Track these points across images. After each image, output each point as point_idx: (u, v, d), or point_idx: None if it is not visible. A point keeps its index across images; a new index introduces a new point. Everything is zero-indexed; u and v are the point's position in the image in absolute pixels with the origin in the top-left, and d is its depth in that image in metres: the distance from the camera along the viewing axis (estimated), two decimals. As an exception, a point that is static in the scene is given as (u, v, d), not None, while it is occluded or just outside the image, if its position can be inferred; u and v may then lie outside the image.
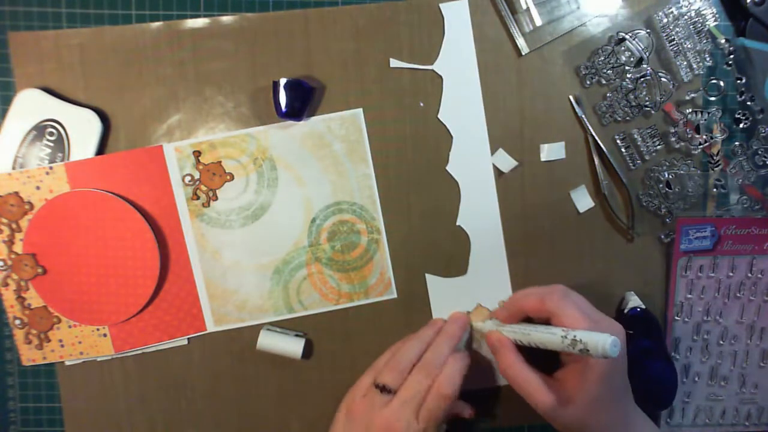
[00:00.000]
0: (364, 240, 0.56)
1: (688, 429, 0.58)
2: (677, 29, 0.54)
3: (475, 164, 0.56)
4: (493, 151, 0.56)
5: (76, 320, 0.55)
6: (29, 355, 0.55)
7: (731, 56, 0.55)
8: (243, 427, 0.57)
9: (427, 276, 0.57)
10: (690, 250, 0.56)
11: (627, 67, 0.54)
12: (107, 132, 0.54)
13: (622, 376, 0.49)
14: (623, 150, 0.56)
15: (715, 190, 0.56)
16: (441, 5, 0.55)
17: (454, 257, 0.57)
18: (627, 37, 0.54)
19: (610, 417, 0.48)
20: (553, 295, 0.49)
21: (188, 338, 0.56)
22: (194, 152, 0.55)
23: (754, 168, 0.56)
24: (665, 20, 0.54)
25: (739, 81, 0.55)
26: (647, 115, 0.56)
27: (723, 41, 0.55)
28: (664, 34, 0.55)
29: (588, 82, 0.55)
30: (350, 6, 0.55)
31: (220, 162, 0.55)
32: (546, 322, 0.50)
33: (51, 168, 0.53)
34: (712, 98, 0.56)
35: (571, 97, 0.56)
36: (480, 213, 0.56)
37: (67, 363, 0.56)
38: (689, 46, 0.55)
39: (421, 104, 0.56)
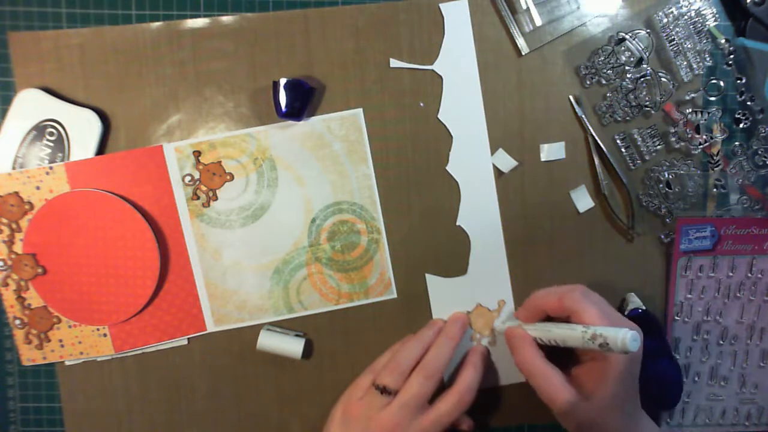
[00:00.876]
0: (364, 240, 0.56)
1: (689, 429, 0.58)
2: (677, 29, 0.54)
3: (475, 164, 0.56)
4: (493, 151, 0.56)
5: (76, 320, 0.55)
6: (29, 355, 0.55)
7: (731, 56, 0.55)
8: (243, 427, 0.57)
9: (427, 276, 0.57)
10: (690, 250, 0.56)
11: (627, 67, 0.54)
12: (107, 132, 0.54)
13: (635, 377, 0.49)
14: (623, 150, 0.56)
15: (715, 190, 0.56)
16: (441, 5, 0.55)
17: (454, 257, 0.57)
18: (627, 37, 0.54)
19: (623, 417, 0.48)
20: (574, 293, 0.49)
21: (188, 338, 0.56)
22: (194, 152, 0.55)
23: (754, 168, 0.56)
24: (665, 20, 0.54)
25: (739, 81, 0.55)
26: (647, 115, 0.56)
27: (723, 41, 0.55)
28: (664, 34, 0.55)
29: (588, 82, 0.55)
30: (350, 6, 0.55)
31: (220, 162, 0.55)
32: (565, 321, 0.50)
33: (51, 168, 0.53)
34: (712, 98, 0.56)
35: (571, 97, 0.56)
36: (480, 213, 0.56)
37: (67, 363, 0.56)
38: (689, 46, 0.55)
39: (422, 104, 0.56)
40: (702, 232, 0.56)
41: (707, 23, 0.54)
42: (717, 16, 0.54)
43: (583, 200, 0.56)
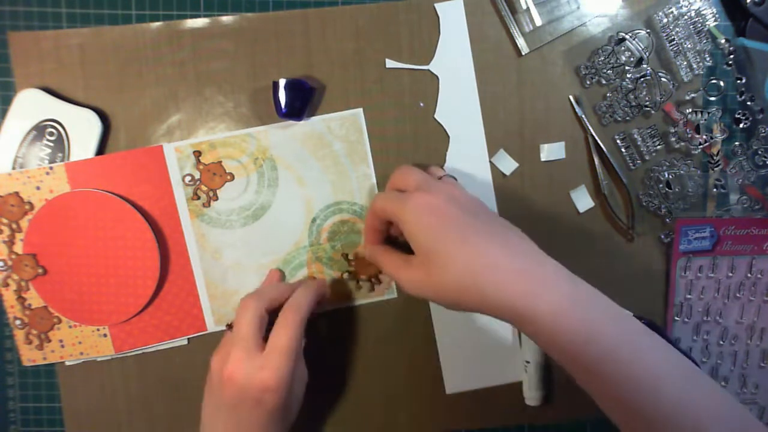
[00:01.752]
0: (364, 240, 0.56)
1: (688, 429, 0.58)
2: (677, 29, 0.54)
3: (472, 164, 0.56)
4: (492, 152, 0.56)
5: (76, 320, 0.55)
6: (29, 356, 0.55)
7: (731, 56, 0.55)
8: (243, 427, 0.57)
9: (427, 276, 0.57)
10: (689, 250, 0.56)
11: (627, 67, 0.54)
12: (107, 132, 0.54)
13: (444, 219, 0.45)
14: (623, 150, 0.56)
15: (715, 190, 0.56)
16: (436, 5, 0.55)
17: (454, 257, 0.57)
18: (627, 37, 0.54)
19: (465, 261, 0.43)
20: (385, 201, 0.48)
21: (188, 338, 0.56)
22: (194, 152, 0.55)
23: (754, 168, 0.56)
24: (665, 20, 0.54)
25: (739, 81, 0.55)
26: (647, 115, 0.56)
27: (723, 41, 0.55)
28: (664, 34, 0.55)
29: (588, 82, 0.55)
30: (350, 6, 0.55)
31: (220, 162, 0.55)
32: None
33: (51, 168, 0.53)
34: (712, 98, 0.56)
35: (571, 97, 0.56)
36: (480, 213, 0.56)
37: (67, 363, 0.56)
38: (689, 46, 0.55)
39: (421, 104, 0.56)
40: (701, 232, 0.56)
41: (707, 23, 0.54)
42: (717, 16, 0.54)
43: (583, 200, 0.56)
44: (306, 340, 0.51)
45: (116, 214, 0.54)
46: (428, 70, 0.55)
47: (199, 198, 0.55)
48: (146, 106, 0.55)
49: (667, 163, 0.56)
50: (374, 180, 0.56)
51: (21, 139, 0.53)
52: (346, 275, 0.56)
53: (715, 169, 0.56)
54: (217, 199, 0.55)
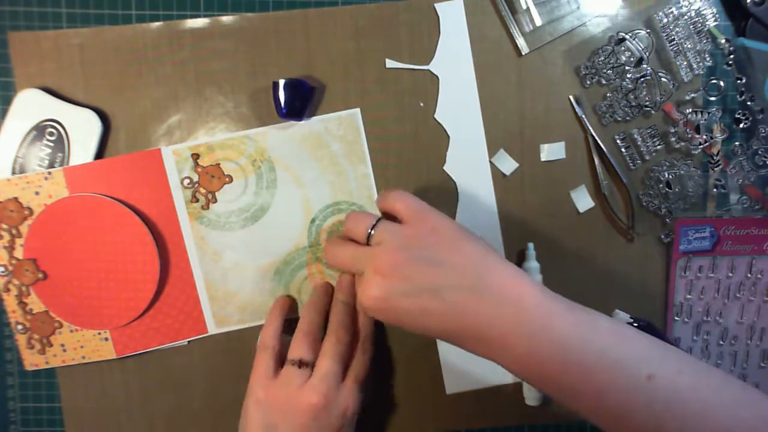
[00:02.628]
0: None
1: (688, 429, 0.58)
2: (677, 29, 0.54)
3: (472, 164, 0.56)
4: (492, 152, 0.56)
5: (77, 325, 0.55)
6: (32, 360, 0.55)
7: (731, 56, 0.55)
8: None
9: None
10: (689, 250, 0.56)
11: (627, 67, 0.54)
12: (107, 132, 0.54)
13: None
14: (623, 150, 0.56)
15: (715, 190, 0.56)
16: (436, 5, 0.55)
17: (454, 257, 0.57)
18: (627, 37, 0.54)
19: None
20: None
21: (188, 339, 0.56)
22: (192, 155, 0.55)
23: (754, 168, 0.56)
24: (665, 20, 0.54)
25: (739, 81, 0.55)
26: (647, 115, 0.56)
27: (723, 41, 0.55)
28: (664, 34, 0.54)
29: (588, 82, 0.55)
30: (350, 6, 0.55)
31: (218, 164, 0.55)
32: None
33: (50, 173, 0.53)
34: (712, 98, 0.56)
35: (571, 97, 0.56)
36: (478, 213, 0.56)
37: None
38: (689, 46, 0.55)
39: (421, 104, 0.56)
40: (701, 232, 0.56)
41: (707, 23, 0.54)
42: (717, 16, 0.54)
43: (583, 200, 0.56)
44: None
45: (115, 218, 0.54)
46: (428, 70, 0.55)
47: (197, 200, 0.55)
48: (146, 106, 0.55)
49: (667, 163, 0.56)
50: (373, 180, 0.56)
51: (21, 139, 0.53)
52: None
53: (715, 169, 0.56)
54: (215, 201, 0.55)
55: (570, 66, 0.56)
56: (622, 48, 0.54)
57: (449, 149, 0.56)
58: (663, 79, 0.54)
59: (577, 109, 0.55)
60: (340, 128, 0.55)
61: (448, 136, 0.56)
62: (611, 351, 0.41)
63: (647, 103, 0.55)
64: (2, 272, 0.54)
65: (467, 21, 0.55)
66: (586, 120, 0.55)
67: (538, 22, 0.54)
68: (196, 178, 0.55)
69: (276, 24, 0.54)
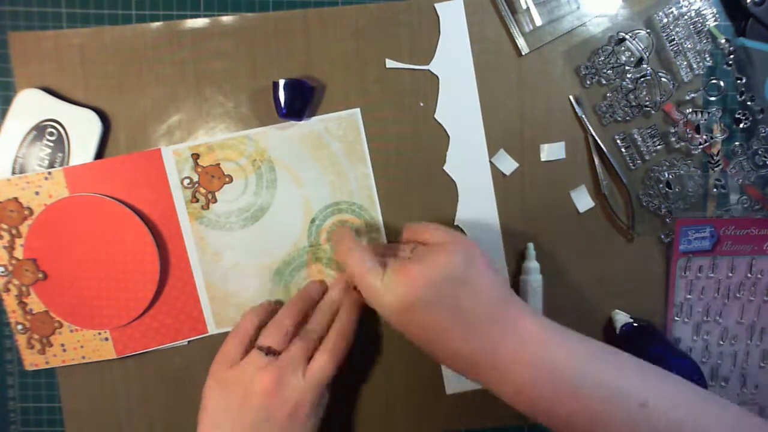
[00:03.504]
0: (363, 240, 0.56)
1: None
2: (677, 29, 0.54)
3: (472, 164, 0.56)
4: (492, 151, 0.56)
5: (77, 325, 0.55)
6: (32, 360, 0.55)
7: (731, 56, 0.55)
8: (243, 427, 0.57)
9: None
10: (689, 250, 0.56)
11: (627, 67, 0.54)
12: (107, 132, 0.54)
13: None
14: (623, 150, 0.56)
15: (715, 190, 0.56)
16: (436, 5, 0.55)
17: (454, 257, 0.57)
18: (627, 37, 0.54)
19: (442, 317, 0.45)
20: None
21: (188, 340, 0.56)
22: (192, 155, 0.55)
23: (754, 168, 0.56)
24: (665, 20, 0.54)
25: (739, 81, 0.55)
26: (647, 115, 0.56)
27: (723, 41, 0.55)
28: (664, 34, 0.54)
29: (588, 82, 0.55)
30: (350, 6, 0.55)
31: (218, 164, 0.55)
32: None
33: (50, 173, 0.53)
34: (712, 98, 0.56)
35: (571, 97, 0.56)
36: (478, 213, 0.56)
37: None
38: (689, 46, 0.55)
39: (421, 104, 0.56)
40: (701, 232, 0.56)
41: (707, 23, 0.54)
42: (717, 16, 0.54)
43: (583, 200, 0.56)
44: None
45: (115, 218, 0.54)
46: (428, 70, 0.55)
47: (197, 200, 0.55)
48: (146, 106, 0.55)
49: (667, 163, 0.56)
50: (373, 180, 0.56)
51: (21, 139, 0.53)
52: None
53: (715, 169, 0.56)
54: (215, 201, 0.55)
55: (570, 66, 0.56)
56: (622, 48, 0.54)
57: (449, 149, 0.56)
58: (663, 79, 0.54)
59: (577, 109, 0.55)
60: (340, 128, 0.55)
61: (448, 136, 0.56)
62: (607, 381, 0.42)
63: (647, 103, 0.55)
64: (2, 272, 0.54)
65: (467, 21, 0.55)
66: (586, 120, 0.55)
67: (538, 22, 0.54)
68: (196, 178, 0.55)
69: (276, 24, 0.54)
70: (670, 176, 0.55)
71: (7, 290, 0.54)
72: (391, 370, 0.57)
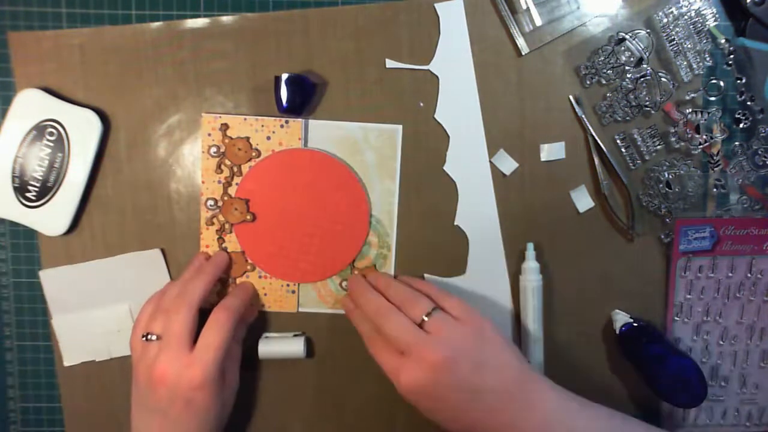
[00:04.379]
0: (373, 253, 0.56)
1: (689, 429, 0.58)
2: (677, 29, 0.54)
3: (472, 164, 0.56)
4: (492, 151, 0.56)
5: (269, 272, 0.55)
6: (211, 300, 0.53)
7: (731, 56, 0.55)
8: (243, 427, 0.57)
9: (426, 276, 0.57)
10: (689, 250, 0.56)
11: (627, 67, 0.54)
12: (107, 132, 0.55)
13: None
14: (623, 150, 0.56)
15: (715, 190, 0.56)
16: (436, 5, 0.55)
17: (452, 257, 0.57)
18: (627, 37, 0.54)
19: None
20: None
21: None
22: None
23: (754, 168, 0.56)
24: (665, 20, 0.54)
25: (739, 81, 0.55)
26: (647, 115, 0.56)
27: (723, 41, 0.55)
28: (664, 34, 0.55)
29: (588, 82, 0.55)
30: (350, 6, 0.55)
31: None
32: None
33: (287, 122, 0.54)
34: (712, 98, 0.56)
35: (571, 97, 0.56)
36: (478, 212, 0.56)
37: (67, 363, 0.56)
38: (689, 46, 0.55)
39: (421, 104, 0.56)
40: (701, 232, 0.56)
41: (707, 23, 0.54)
42: (717, 16, 0.54)
43: (583, 200, 0.56)
44: (241, 348, 0.53)
45: (339, 181, 0.55)
46: (428, 70, 0.55)
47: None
48: (146, 106, 0.55)
49: (667, 163, 0.56)
50: (397, 198, 0.56)
51: (21, 139, 0.53)
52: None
53: (715, 169, 0.56)
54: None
55: (570, 66, 0.56)
56: (622, 48, 0.54)
57: (449, 149, 0.56)
58: (663, 79, 0.54)
59: (577, 109, 0.55)
60: (378, 139, 0.55)
61: (448, 136, 0.56)
62: None
63: (647, 103, 0.55)
64: (211, 206, 0.54)
65: (467, 21, 0.55)
66: (586, 120, 0.55)
67: (538, 22, 0.54)
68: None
69: (276, 24, 0.54)
70: (670, 176, 0.55)
71: (211, 224, 0.55)
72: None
